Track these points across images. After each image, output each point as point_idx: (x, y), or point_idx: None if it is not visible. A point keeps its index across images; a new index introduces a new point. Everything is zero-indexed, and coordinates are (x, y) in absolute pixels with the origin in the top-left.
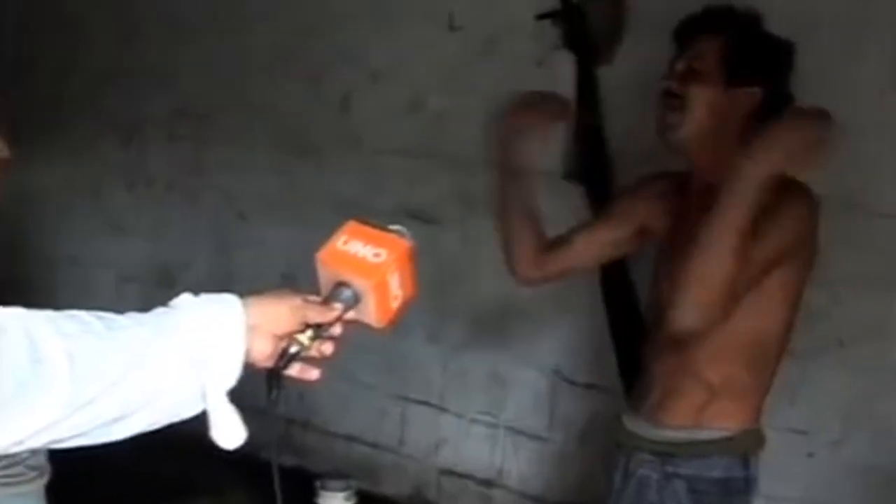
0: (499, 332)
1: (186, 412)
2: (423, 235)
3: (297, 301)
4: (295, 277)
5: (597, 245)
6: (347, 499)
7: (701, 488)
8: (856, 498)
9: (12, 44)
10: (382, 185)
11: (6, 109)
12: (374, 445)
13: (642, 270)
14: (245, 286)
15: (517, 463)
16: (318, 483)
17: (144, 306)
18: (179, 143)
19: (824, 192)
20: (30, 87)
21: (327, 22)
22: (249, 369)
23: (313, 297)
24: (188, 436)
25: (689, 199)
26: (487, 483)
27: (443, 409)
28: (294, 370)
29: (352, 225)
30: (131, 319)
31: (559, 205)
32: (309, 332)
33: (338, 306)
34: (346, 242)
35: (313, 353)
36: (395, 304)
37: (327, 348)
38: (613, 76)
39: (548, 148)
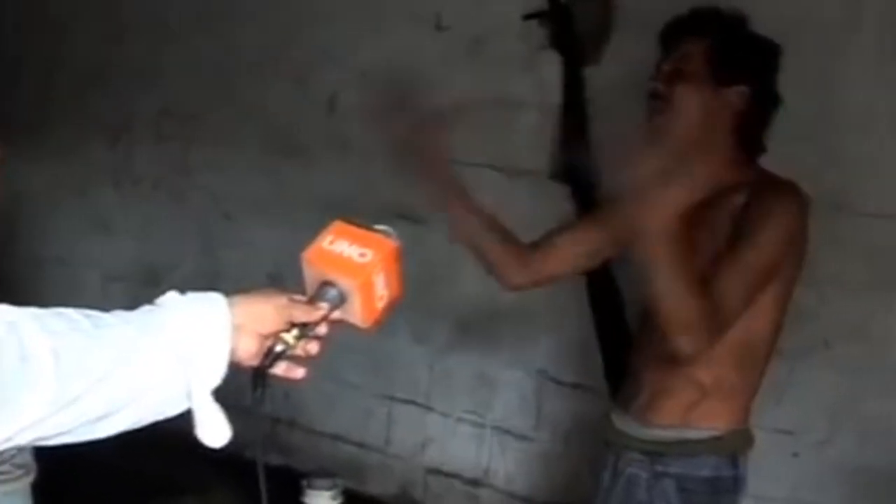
0: (485, 332)
1: (172, 410)
2: (410, 235)
3: (282, 300)
4: (281, 277)
5: (581, 247)
6: (333, 498)
7: (690, 487)
8: (842, 498)
9: (2, 45)
10: (369, 185)
11: None
12: (361, 445)
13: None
14: (231, 286)
15: (503, 462)
16: (304, 482)
17: (131, 306)
18: (166, 143)
19: (811, 193)
20: (17, 87)
21: (314, 22)
22: (235, 368)
23: (299, 297)
24: (173, 434)
25: None
26: (474, 482)
27: (429, 409)
28: (279, 369)
29: (338, 225)
30: (117, 317)
31: (546, 205)
32: (294, 332)
33: (323, 306)
34: (331, 242)
35: (299, 352)
36: (380, 304)
37: (313, 347)
38: (600, 76)
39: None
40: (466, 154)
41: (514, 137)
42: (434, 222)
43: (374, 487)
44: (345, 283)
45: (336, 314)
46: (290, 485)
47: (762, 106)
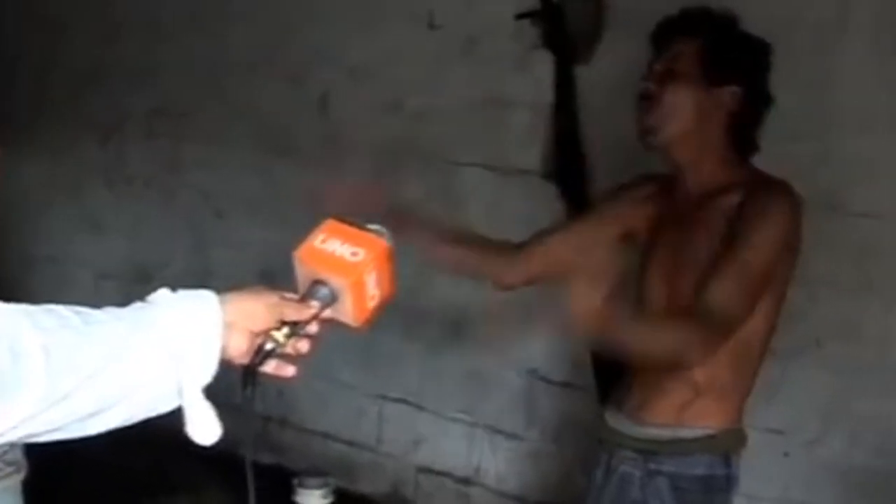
0: (476, 332)
1: (162, 407)
2: (402, 235)
3: (273, 298)
4: (273, 276)
5: (572, 246)
6: (325, 496)
7: (683, 486)
8: (833, 497)
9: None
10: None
11: None
12: (352, 443)
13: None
14: (223, 284)
15: (494, 461)
16: (295, 481)
17: (122, 304)
18: (158, 142)
19: (803, 192)
20: (10, 87)
21: (306, 21)
22: (226, 366)
23: (290, 295)
24: (164, 431)
25: (674, 201)
26: (465, 481)
27: (420, 408)
28: (270, 367)
29: (330, 223)
30: (108, 314)
31: (539, 204)
32: (285, 330)
33: (315, 304)
34: (324, 241)
35: (289, 350)
36: (371, 304)
37: (303, 346)
38: (592, 76)
39: (530, 146)
40: (459, 154)
41: (507, 137)
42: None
43: (365, 486)
44: (336, 281)
45: (327, 313)
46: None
47: (754, 105)
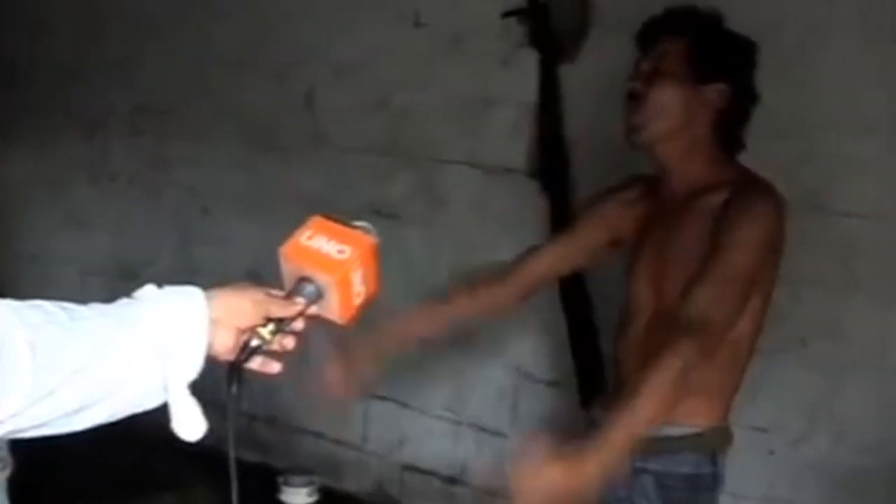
0: (462, 330)
1: (148, 403)
2: (387, 232)
3: (259, 295)
4: (259, 273)
5: (561, 253)
6: (310, 494)
7: (669, 483)
8: (817, 495)
9: None
10: (347, 182)
11: None
12: (337, 442)
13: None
14: (209, 281)
15: (480, 459)
16: (280, 478)
17: (107, 300)
18: (142, 138)
19: (786, 191)
20: None
21: (292, 18)
22: (211, 362)
23: (276, 292)
24: (150, 427)
25: (661, 201)
26: (450, 479)
27: (406, 406)
28: (255, 363)
29: (317, 220)
30: (94, 310)
31: (523, 203)
32: (271, 326)
33: (300, 301)
34: (310, 238)
35: (275, 346)
36: (357, 301)
37: (289, 342)
38: (578, 74)
39: (515, 145)
40: (444, 151)
41: (493, 135)
42: (411, 219)
43: (350, 484)
44: (322, 278)
45: (313, 309)
46: (266, 481)
47: (741, 103)
